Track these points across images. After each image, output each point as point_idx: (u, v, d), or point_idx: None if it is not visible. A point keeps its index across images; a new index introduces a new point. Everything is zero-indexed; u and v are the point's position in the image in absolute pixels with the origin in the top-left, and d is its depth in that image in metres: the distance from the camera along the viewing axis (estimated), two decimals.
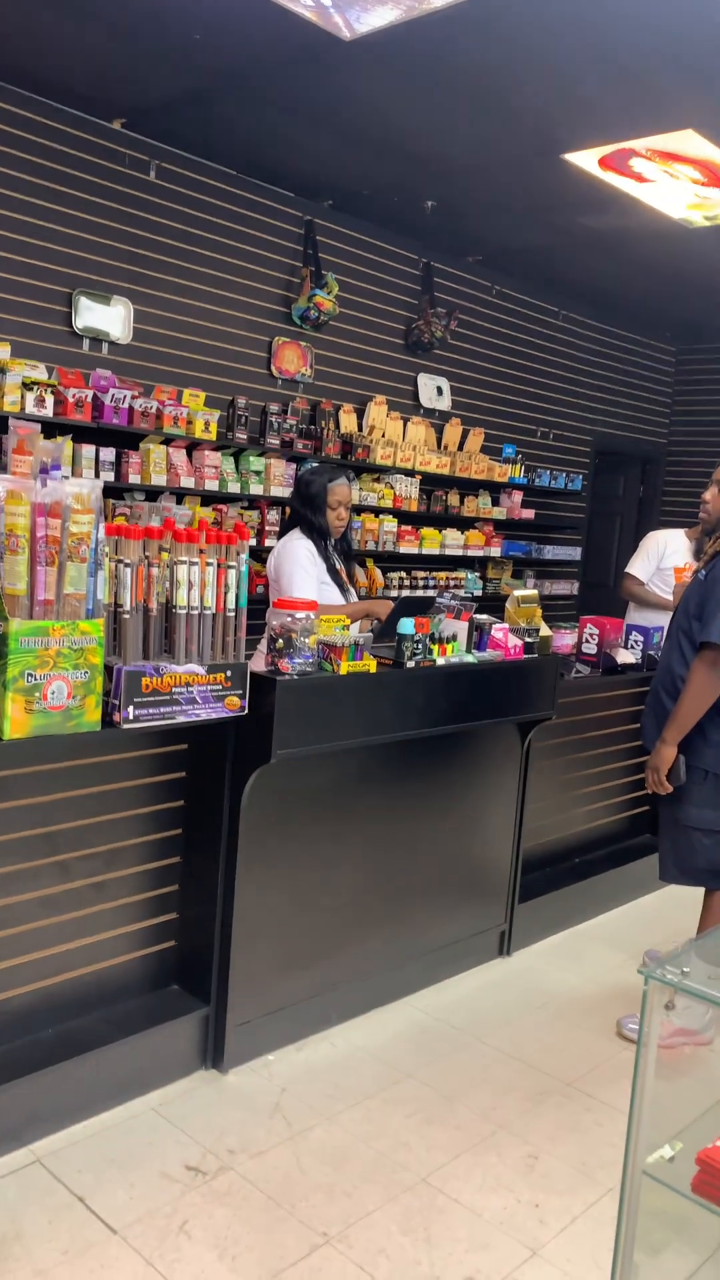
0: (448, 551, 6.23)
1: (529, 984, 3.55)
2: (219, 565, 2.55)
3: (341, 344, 5.75)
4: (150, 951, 2.85)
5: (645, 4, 3.17)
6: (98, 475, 4.24)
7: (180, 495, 4.69)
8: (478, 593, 6.41)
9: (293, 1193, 2.39)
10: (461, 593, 6.29)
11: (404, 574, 5.99)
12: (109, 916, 2.72)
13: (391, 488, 5.81)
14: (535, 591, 3.73)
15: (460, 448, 6.44)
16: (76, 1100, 2.56)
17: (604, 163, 4.56)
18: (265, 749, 2.66)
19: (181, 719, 2.49)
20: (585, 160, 4.53)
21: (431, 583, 6.13)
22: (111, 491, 4.43)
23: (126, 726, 2.38)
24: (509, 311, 6.82)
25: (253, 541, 4.90)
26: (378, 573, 5.81)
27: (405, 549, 5.91)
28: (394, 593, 5.79)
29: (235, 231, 5.14)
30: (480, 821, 3.56)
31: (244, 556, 2.61)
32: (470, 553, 6.40)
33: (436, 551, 6.14)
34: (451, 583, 6.29)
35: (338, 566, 3.72)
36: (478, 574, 6.55)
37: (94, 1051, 2.58)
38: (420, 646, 3.08)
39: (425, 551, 6.07)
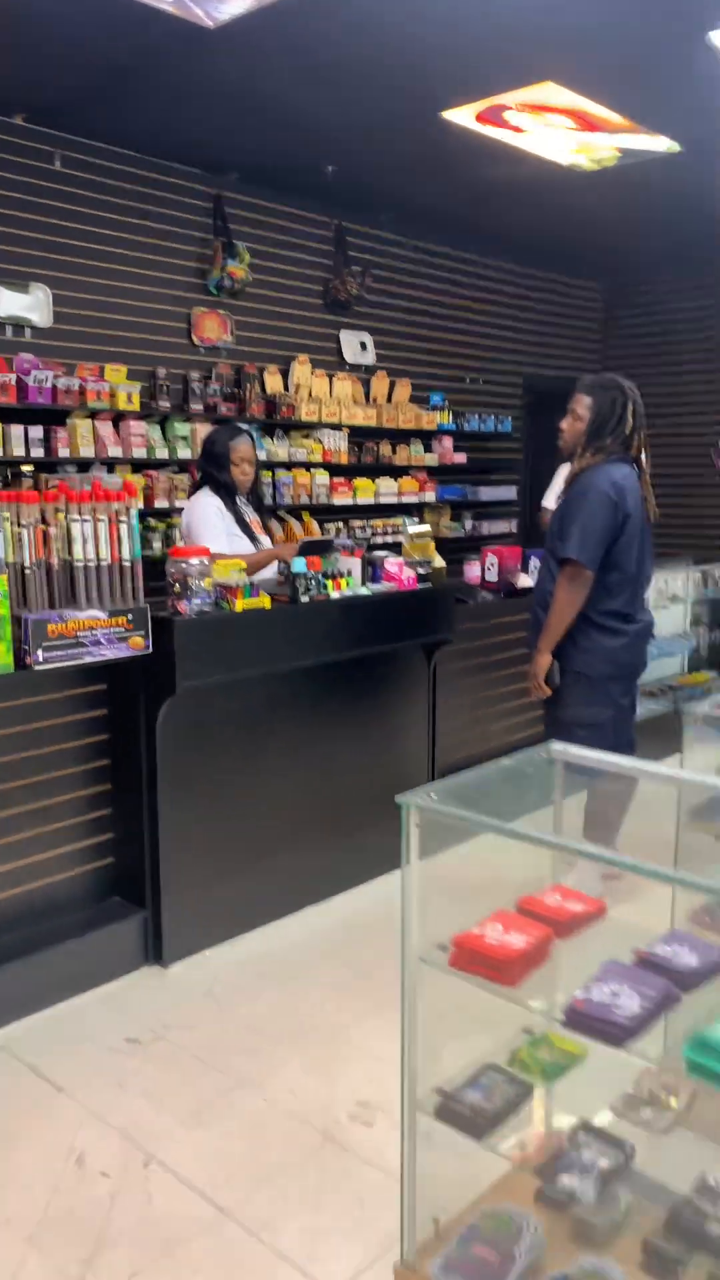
0: (382, 500, 6.55)
1: (444, 880, 3.94)
2: (111, 521, 2.90)
3: (262, 309, 6.03)
4: (92, 867, 3.25)
5: None
6: (28, 452, 4.56)
7: (110, 465, 5.01)
8: None
9: (217, 1053, 2.79)
10: (400, 538, 6.64)
11: (340, 524, 6.32)
12: (52, 838, 3.11)
13: (320, 442, 6.12)
14: (427, 528, 4.09)
15: (388, 400, 6.73)
16: (32, 994, 2.96)
17: (480, 118, 4.82)
18: (171, 682, 3.03)
19: (88, 659, 2.85)
20: (462, 117, 4.79)
21: (370, 530, 6.46)
22: (45, 466, 4.76)
23: (38, 668, 2.74)
24: (427, 264, 7.08)
25: (184, 503, 5.23)
26: (314, 525, 6.14)
27: (340, 500, 6.24)
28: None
29: (145, 211, 5.40)
30: (396, 736, 3.94)
31: (134, 512, 2.96)
32: (405, 500, 6.72)
33: (371, 501, 6.47)
34: (389, 529, 6.62)
35: (248, 519, 4.06)
36: (415, 519, 6.87)
37: (45, 951, 2.99)
38: (314, 582, 3.43)
39: (360, 502, 6.39)
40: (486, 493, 7.39)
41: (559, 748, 1.96)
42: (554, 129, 4.96)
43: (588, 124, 4.89)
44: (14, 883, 3.03)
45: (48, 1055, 2.77)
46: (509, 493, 7.67)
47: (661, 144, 5.15)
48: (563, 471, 5.30)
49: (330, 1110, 2.55)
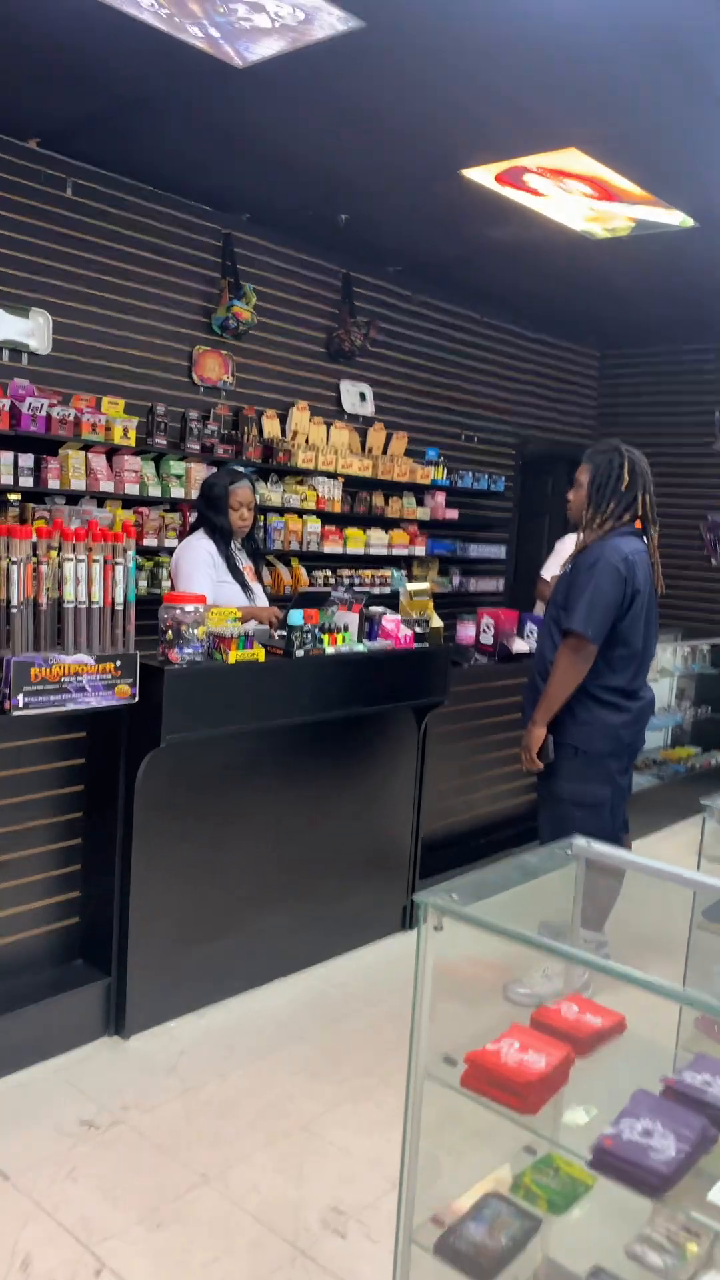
0: (372, 551, 6.45)
1: (453, 972, 3.75)
2: (106, 562, 2.75)
3: (264, 352, 5.96)
4: (55, 927, 3.04)
5: (523, 31, 3.39)
6: (16, 481, 4.41)
7: (101, 499, 4.86)
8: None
9: (179, 1141, 2.58)
10: (387, 590, 6.53)
11: (329, 573, 6.20)
12: (13, 894, 2.90)
13: (314, 490, 6.02)
14: (427, 585, 3.96)
15: (384, 451, 6.66)
16: None
17: (500, 179, 4.80)
18: (155, 734, 2.86)
19: (71, 706, 2.68)
20: (481, 176, 4.77)
21: (357, 581, 6.34)
22: (33, 496, 4.60)
23: (17, 714, 2.57)
24: (430, 319, 7.06)
25: (174, 543, 5.09)
26: (303, 572, 6.01)
27: (330, 548, 6.12)
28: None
29: (154, 245, 5.32)
30: (381, 802, 3.78)
31: (131, 554, 2.81)
32: (395, 551, 6.62)
33: (361, 551, 6.36)
34: (377, 580, 6.51)
35: (241, 565, 3.92)
36: (404, 572, 6.77)
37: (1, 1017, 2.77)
38: (309, 636, 3.29)
39: (350, 551, 6.28)
40: (476, 549, 7.32)
41: (581, 844, 1.82)
42: (571, 195, 4.95)
43: (605, 193, 4.88)
44: None
45: None
46: (498, 551, 7.61)
47: (676, 217, 5.16)
48: (564, 543, 5.23)
49: (300, 1214, 2.35)
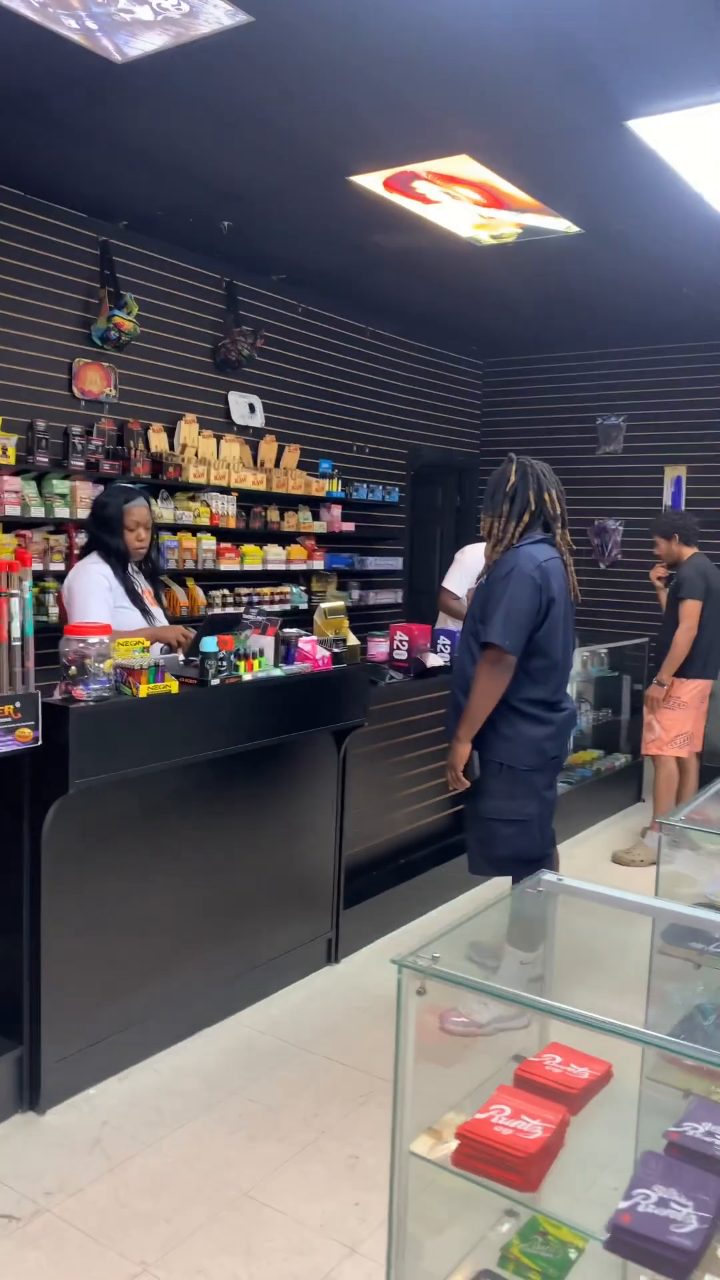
0: (270, 567, 6.26)
1: (356, 989, 3.61)
2: (0, 594, 2.50)
3: (147, 364, 5.71)
4: None
5: (417, 33, 3.29)
6: None
7: None
8: (303, 606, 6.47)
9: (111, 1227, 2.35)
10: (287, 607, 6.36)
11: (227, 591, 5.99)
12: None
13: (208, 505, 5.80)
14: (341, 603, 3.82)
15: (277, 464, 6.49)
16: None
17: (388, 185, 4.71)
18: (63, 779, 2.62)
19: None
20: (370, 182, 4.67)
21: (256, 599, 6.15)
22: None
23: None
24: (317, 329, 6.94)
25: (62, 566, 4.80)
26: (199, 592, 5.79)
27: (226, 566, 5.91)
28: (216, 610, 5.78)
29: (28, 253, 5.03)
30: (300, 832, 3.60)
31: (27, 584, 2.56)
32: (293, 567, 6.45)
33: (259, 567, 6.17)
34: (276, 597, 6.33)
35: (140, 589, 3.69)
36: (303, 588, 6.61)
37: None
38: (225, 664, 3.10)
39: (248, 568, 6.09)
40: (374, 562, 7.22)
41: (550, 879, 1.70)
42: (460, 201, 4.91)
43: (494, 199, 4.85)
44: None
45: None
46: (395, 563, 7.53)
47: (562, 224, 5.18)
48: (464, 553, 5.18)
49: None
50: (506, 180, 4.59)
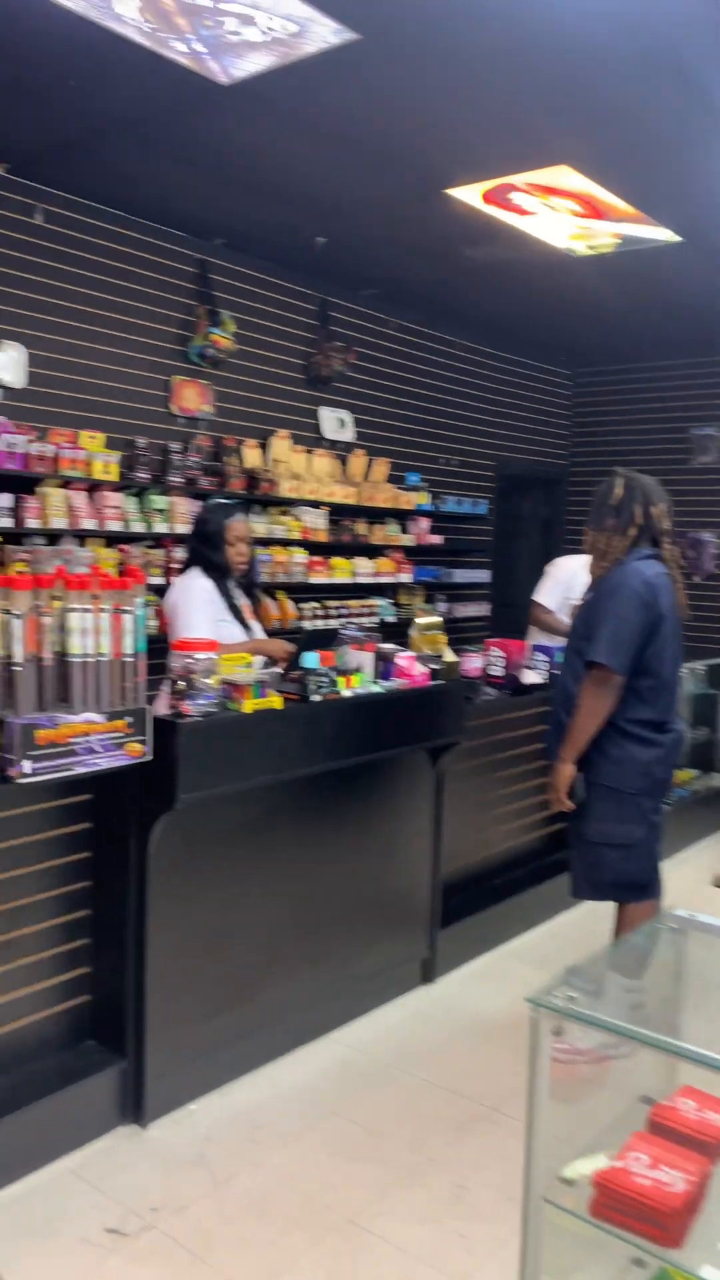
0: (359, 580, 6.26)
1: (453, 1010, 3.55)
2: (114, 610, 2.53)
3: (241, 380, 5.77)
4: (64, 1008, 2.78)
5: (520, 43, 3.26)
6: None
7: (82, 537, 4.63)
8: (391, 619, 6.45)
9: (217, 1247, 2.34)
10: (375, 620, 6.34)
11: (317, 604, 6.00)
12: (18, 975, 2.65)
13: (299, 520, 5.83)
14: (439, 619, 3.78)
15: (366, 478, 6.49)
16: None
17: (487, 197, 4.68)
18: (170, 794, 2.63)
19: (80, 770, 2.45)
20: (468, 195, 4.64)
21: (345, 611, 6.15)
22: (11, 537, 4.36)
23: (23, 781, 2.33)
24: (407, 343, 6.93)
25: (160, 580, 4.86)
26: (290, 604, 5.81)
27: (316, 579, 5.93)
28: (307, 623, 5.79)
29: (128, 273, 5.13)
30: (397, 850, 3.57)
31: (140, 600, 2.59)
32: (381, 580, 6.45)
33: (348, 580, 6.18)
34: (365, 610, 6.32)
35: (239, 603, 3.72)
36: (390, 600, 6.60)
37: (5, 1117, 2.50)
38: (325, 680, 3.09)
39: (337, 580, 6.10)
40: (461, 575, 7.16)
41: (683, 915, 1.63)
42: (558, 212, 4.84)
43: (593, 210, 4.78)
44: None
45: (12, 1254, 2.28)
46: (483, 575, 7.47)
47: (662, 234, 5.07)
48: (556, 566, 5.07)
49: None
50: (608, 190, 4.52)
